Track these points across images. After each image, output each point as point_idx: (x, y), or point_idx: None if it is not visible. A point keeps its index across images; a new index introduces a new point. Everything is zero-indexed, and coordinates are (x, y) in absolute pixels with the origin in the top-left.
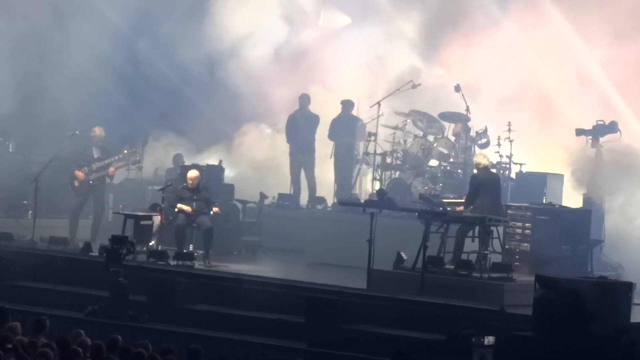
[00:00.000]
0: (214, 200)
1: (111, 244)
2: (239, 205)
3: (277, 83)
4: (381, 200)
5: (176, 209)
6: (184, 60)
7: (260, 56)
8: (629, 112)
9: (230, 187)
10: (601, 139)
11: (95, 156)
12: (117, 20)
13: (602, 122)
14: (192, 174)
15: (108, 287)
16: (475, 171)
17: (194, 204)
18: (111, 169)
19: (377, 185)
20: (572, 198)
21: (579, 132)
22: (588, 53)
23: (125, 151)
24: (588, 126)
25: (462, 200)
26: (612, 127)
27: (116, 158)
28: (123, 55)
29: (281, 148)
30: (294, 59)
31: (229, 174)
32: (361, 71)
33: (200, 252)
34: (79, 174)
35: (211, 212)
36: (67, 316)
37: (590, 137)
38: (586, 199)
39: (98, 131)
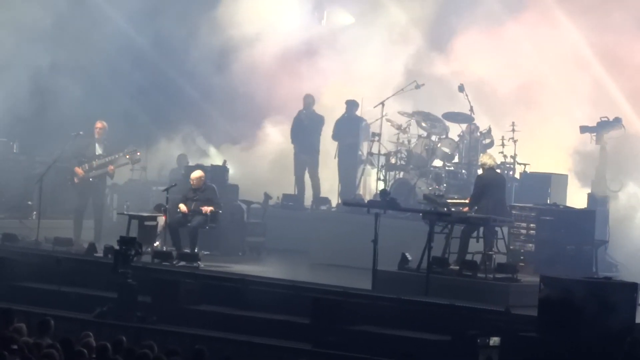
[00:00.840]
0: (216, 200)
1: (120, 245)
2: (244, 206)
3: (283, 82)
4: (384, 200)
5: (178, 209)
6: (191, 59)
7: (266, 55)
8: (632, 110)
9: (235, 188)
10: (605, 136)
11: (97, 153)
12: (124, 18)
13: (606, 119)
14: (194, 174)
15: (115, 288)
16: (480, 171)
17: (193, 204)
18: (110, 167)
19: (381, 186)
20: (576, 197)
21: (583, 129)
22: (590, 49)
23: (126, 150)
24: (592, 123)
25: (467, 201)
26: (616, 123)
27: (117, 156)
28: (128, 53)
29: (287, 148)
30: (302, 58)
31: (234, 174)
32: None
33: (206, 252)
34: (78, 170)
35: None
36: (72, 317)
37: (595, 134)
38: (591, 198)
39: (100, 125)
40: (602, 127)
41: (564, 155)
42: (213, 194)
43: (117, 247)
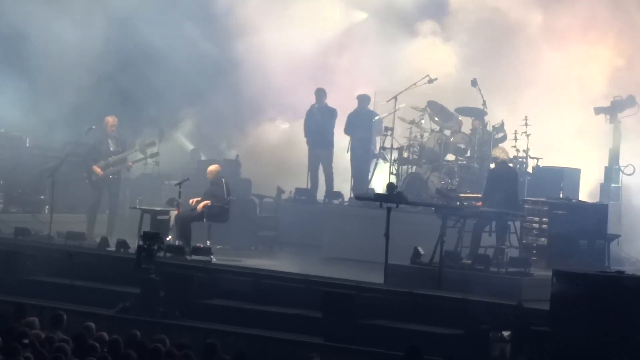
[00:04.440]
0: (219, 194)
1: (143, 240)
2: (256, 200)
3: (299, 76)
4: (391, 194)
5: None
6: (206, 51)
7: (282, 50)
8: None
9: (248, 182)
10: (619, 115)
11: (111, 149)
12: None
13: (619, 98)
14: (209, 167)
15: (128, 282)
16: (492, 165)
17: (203, 197)
18: (130, 163)
19: (394, 180)
20: (588, 188)
21: (598, 110)
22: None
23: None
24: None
25: (479, 195)
26: (630, 101)
27: (133, 151)
28: (138, 46)
29: (300, 142)
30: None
31: (247, 168)
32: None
33: (218, 246)
34: (97, 170)
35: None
36: (85, 311)
37: (609, 115)
38: (603, 189)
39: (111, 120)
40: (616, 106)
41: (577, 142)
42: (218, 189)
43: (138, 242)
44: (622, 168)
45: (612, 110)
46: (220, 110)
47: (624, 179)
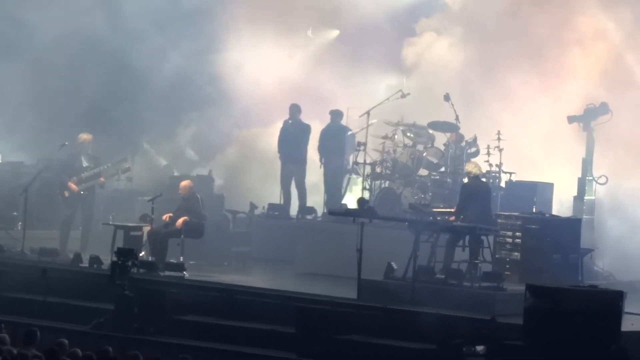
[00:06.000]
0: (197, 210)
1: (117, 256)
2: (229, 216)
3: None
4: (362, 209)
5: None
6: (180, 69)
7: (259, 68)
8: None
9: (220, 198)
10: (593, 123)
11: (84, 165)
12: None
13: (592, 105)
14: (181, 183)
15: (101, 298)
16: (465, 180)
17: (175, 213)
18: (101, 179)
19: (367, 195)
20: (563, 200)
21: (571, 119)
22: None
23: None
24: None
25: (452, 210)
26: (603, 109)
27: (105, 167)
28: (116, 63)
29: (273, 157)
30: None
31: (220, 184)
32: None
33: (191, 262)
34: (73, 186)
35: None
36: (58, 327)
37: (582, 123)
38: (576, 202)
39: (85, 137)
40: (589, 114)
41: (551, 154)
42: (194, 204)
43: (110, 257)
44: (595, 178)
45: (586, 118)
46: (198, 127)
47: (597, 192)
